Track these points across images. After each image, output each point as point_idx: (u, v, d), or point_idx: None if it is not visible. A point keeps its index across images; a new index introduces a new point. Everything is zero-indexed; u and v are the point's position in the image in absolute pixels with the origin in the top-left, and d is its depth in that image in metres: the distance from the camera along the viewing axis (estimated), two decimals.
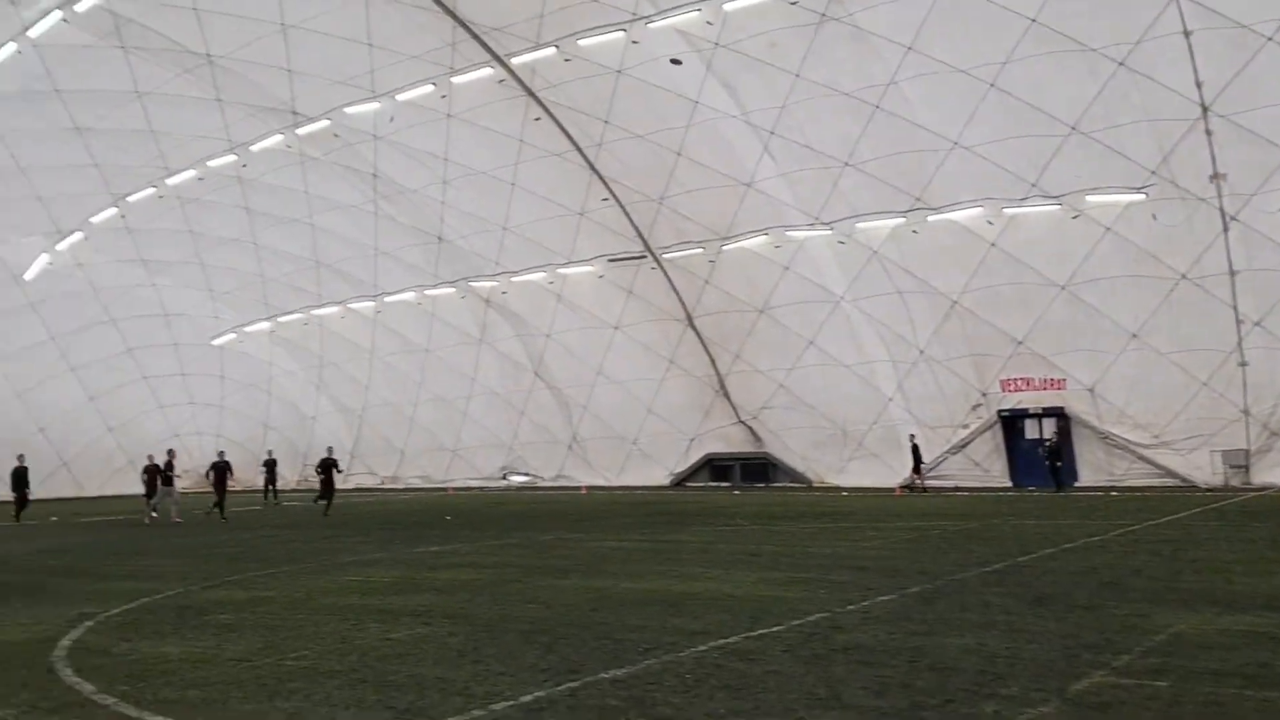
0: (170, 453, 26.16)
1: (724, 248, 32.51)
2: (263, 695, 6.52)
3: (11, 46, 27.51)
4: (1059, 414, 29.39)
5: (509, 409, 41.27)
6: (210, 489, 28.29)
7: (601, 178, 32.19)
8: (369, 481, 45.44)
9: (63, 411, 43.33)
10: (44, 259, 38.78)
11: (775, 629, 8.34)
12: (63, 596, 11.80)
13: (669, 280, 34.34)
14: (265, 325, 44.60)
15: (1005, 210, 27.33)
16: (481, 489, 39.69)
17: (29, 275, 39.46)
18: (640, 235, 33.55)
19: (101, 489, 44.50)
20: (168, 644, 8.49)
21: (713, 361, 35.42)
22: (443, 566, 13.71)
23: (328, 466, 27.17)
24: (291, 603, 10.73)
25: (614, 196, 32.68)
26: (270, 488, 37.47)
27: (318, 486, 27.83)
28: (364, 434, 45.84)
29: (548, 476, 41.06)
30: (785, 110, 27.73)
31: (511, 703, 6.15)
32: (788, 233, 30.89)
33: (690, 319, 34.89)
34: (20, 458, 27.88)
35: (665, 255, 33.76)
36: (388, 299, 40.34)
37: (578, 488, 37.75)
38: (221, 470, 26.99)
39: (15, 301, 39.98)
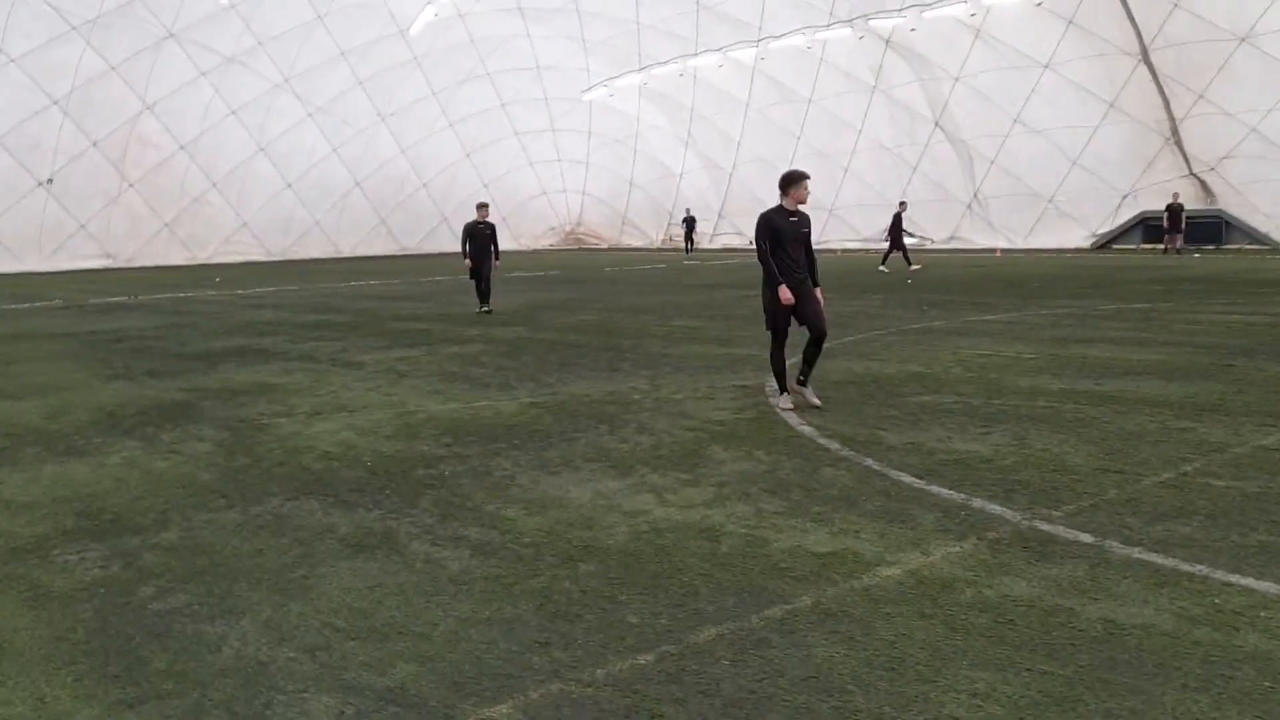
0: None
1: None
2: (1250, 543, 4.25)
3: None
4: None
5: (899, 164, 37.83)
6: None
7: None
8: (735, 242, 43.90)
9: (444, 166, 44.20)
10: (429, 11, 38.19)
11: None
12: (677, 363, 10.35)
13: (1125, 5, 28.96)
14: (636, 78, 42.76)
15: None
16: (864, 250, 36.86)
17: (414, 30, 39.22)
18: None
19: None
20: (952, 437, 6.51)
21: (1166, 104, 30.18)
22: (1074, 341, 11.04)
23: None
24: (999, 389, 8.58)
25: None
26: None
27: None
28: (732, 192, 43.97)
29: (938, 238, 37.76)
30: None
31: None
32: None
33: (1145, 52, 29.57)
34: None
35: None
36: (773, 44, 37.10)
37: (987, 250, 34.26)
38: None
39: (401, 57, 40.20)
